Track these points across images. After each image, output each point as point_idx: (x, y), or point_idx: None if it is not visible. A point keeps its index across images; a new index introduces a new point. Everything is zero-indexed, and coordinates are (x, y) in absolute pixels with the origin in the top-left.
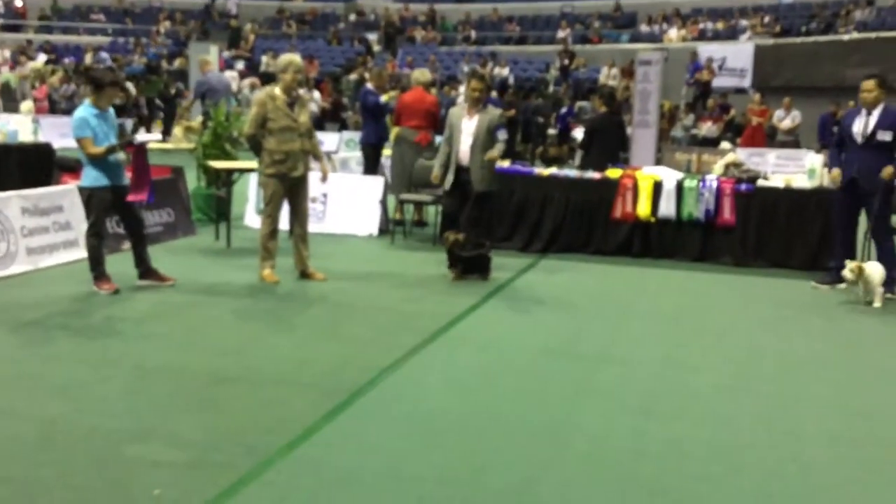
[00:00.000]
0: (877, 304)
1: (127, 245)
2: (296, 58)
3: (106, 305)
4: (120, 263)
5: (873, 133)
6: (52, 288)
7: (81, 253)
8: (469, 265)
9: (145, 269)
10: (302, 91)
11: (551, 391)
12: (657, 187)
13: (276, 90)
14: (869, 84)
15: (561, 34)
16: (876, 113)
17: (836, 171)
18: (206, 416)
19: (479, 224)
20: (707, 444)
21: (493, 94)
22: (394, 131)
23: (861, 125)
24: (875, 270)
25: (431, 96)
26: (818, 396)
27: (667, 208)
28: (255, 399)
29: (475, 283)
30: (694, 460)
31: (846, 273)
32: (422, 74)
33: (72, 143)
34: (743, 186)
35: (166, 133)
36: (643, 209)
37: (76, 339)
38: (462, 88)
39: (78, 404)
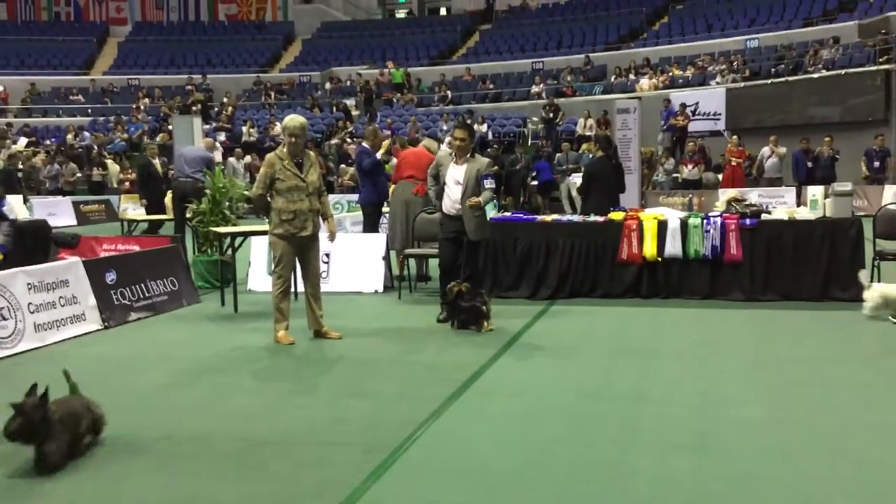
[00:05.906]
0: None
1: (135, 315)
2: (292, 122)
3: (121, 377)
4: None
5: None
6: (62, 364)
7: (89, 326)
8: (466, 316)
9: None
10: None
11: (597, 434)
12: (661, 227)
13: (284, 150)
14: None
15: (535, 89)
16: None
17: None
18: (247, 484)
19: (477, 272)
20: (772, 480)
21: None
22: (391, 187)
23: None
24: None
25: (431, 154)
26: (870, 423)
27: (673, 247)
28: (294, 462)
29: (490, 333)
30: (764, 499)
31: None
32: (430, 143)
33: (59, 221)
34: (747, 221)
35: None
36: (649, 249)
37: None
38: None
39: (109, 481)
